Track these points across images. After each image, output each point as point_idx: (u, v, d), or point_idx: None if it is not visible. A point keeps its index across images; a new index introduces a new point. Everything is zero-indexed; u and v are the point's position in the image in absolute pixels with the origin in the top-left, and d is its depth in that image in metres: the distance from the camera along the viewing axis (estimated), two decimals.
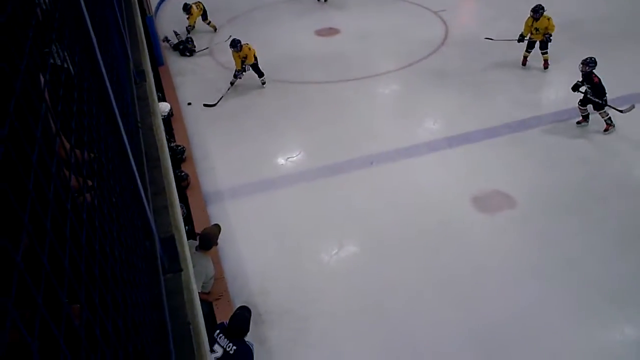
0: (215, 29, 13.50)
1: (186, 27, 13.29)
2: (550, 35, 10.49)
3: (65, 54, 1.37)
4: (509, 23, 12.48)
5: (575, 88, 8.90)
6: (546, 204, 7.46)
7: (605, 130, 8.84)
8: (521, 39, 10.62)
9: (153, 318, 1.53)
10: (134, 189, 1.74)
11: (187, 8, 13.11)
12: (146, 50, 3.58)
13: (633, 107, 8.70)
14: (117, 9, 2.80)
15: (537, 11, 10.40)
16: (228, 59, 11.86)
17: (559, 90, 10.33)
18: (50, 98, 1.12)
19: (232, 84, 10.57)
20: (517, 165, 8.27)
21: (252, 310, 5.11)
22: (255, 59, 10.42)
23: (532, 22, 10.48)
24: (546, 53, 10.73)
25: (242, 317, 4.79)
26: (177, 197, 2.44)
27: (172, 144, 8.12)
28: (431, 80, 10.61)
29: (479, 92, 10.18)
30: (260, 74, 10.71)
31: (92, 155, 1.39)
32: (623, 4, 13.38)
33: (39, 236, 0.75)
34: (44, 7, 1.34)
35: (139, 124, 2.43)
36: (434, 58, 11.35)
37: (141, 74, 2.99)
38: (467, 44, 11.86)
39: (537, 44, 10.65)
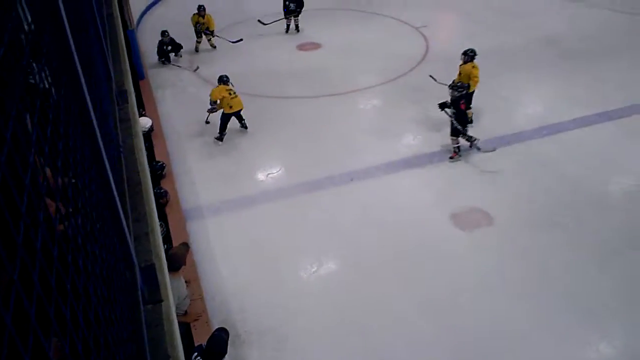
0: (214, 47, 13.37)
1: (204, 31, 13.14)
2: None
3: (44, 73, 1.35)
4: (490, 39, 12.70)
5: (442, 107, 8.86)
6: (524, 221, 7.55)
7: (451, 158, 8.87)
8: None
9: (132, 351, 1.51)
10: (114, 218, 1.72)
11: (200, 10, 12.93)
12: (128, 70, 3.56)
13: (494, 149, 8.83)
14: (100, 29, 2.79)
15: (466, 54, 9.54)
16: (210, 72, 11.87)
17: (537, 107, 10.49)
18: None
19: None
20: (496, 182, 8.35)
21: (230, 331, 5.07)
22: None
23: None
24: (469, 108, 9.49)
25: (220, 339, 4.75)
26: (157, 222, 2.42)
27: (152, 161, 8.05)
28: (411, 96, 10.69)
29: None
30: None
31: (66, 179, 1.37)
32: (606, 22, 13.67)
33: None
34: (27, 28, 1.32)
35: (121, 148, 2.42)
36: (415, 74, 11.46)
37: (123, 94, 2.97)
38: (448, 60, 11.92)
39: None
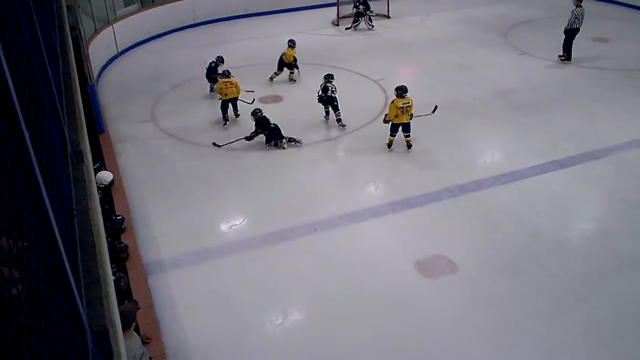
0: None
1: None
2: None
3: None
4: (446, 91, 13.10)
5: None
6: (487, 267, 7.63)
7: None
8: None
9: None
10: (64, 282, 1.67)
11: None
12: (85, 129, 3.53)
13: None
14: (54, 89, 2.77)
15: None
16: (170, 125, 11.88)
17: (494, 155, 10.77)
18: None
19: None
20: (458, 229, 8.46)
21: None
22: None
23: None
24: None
25: None
26: (113, 286, 2.35)
27: (112, 215, 7.92)
28: (373, 146, 10.85)
29: (420, 157, 10.49)
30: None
31: (13, 242, 1.33)
32: (552, 74, 14.25)
33: None
34: None
35: (75, 210, 2.37)
36: (375, 124, 11.65)
37: (79, 155, 2.93)
38: None
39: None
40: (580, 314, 6.82)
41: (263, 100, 13.00)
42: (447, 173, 9.85)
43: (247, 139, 10.83)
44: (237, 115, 12.12)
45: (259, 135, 10.86)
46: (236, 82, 11.80)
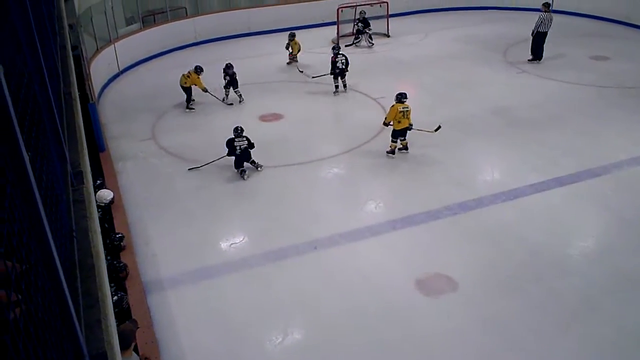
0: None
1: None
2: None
3: None
4: (446, 109, 13.15)
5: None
6: (487, 285, 7.61)
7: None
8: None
9: None
10: (62, 307, 1.68)
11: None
12: (85, 149, 3.55)
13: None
14: (55, 110, 2.79)
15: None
16: (170, 143, 11.92)
17: (495, 173, 10.79)
18: None
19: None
20: (458, 247, 8.45)
21: None
22: None
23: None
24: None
25: None
26: (111, 307, 2.35)
27: (111, 234, 7.91)
28: (373, 164, 10.89)
29: (420, 174, 10.51)
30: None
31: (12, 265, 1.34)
32: (550, 92, 14.32)
33: None
34: None
35: (74, 232, 2.38)
36: (375, 142, 11.70)
37: (79, 176, 2.95)
38: None
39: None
40: (580, 332, 6.79)
41: (262, 118, 13.06)
42: (447, 191, 9.86)
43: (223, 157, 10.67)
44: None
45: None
46: (194, 78, 13.20)
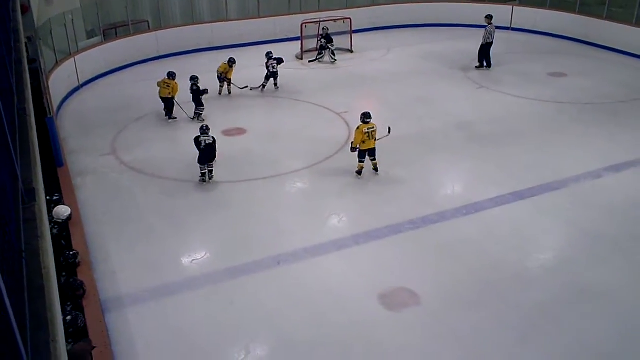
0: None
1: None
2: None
3: None
4: (408, 125, 13.31)
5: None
6: (450, 299, 7.68)
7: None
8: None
9: None
10: (5, 328, 1.61)
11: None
12: (39, 166, 3.45)
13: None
14: (7, 128, 2.71)
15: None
16: (131, 157, 11.74)
17: (456, 187, 10.94)
18: None
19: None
20: (421, 261, 8.52)
21: None
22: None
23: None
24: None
25: None
26: (62, 329, 2.27)
27: (65, 251, 7.67)
28: (336, 179, 10.91)
29: (383, 189, 10.57)
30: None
31: None
32: (510, 107, 14.63)
33: None
34: None
35: (23, 252, 2.30)
36: (339, 157, 11.74)
37: (31, 193, 2.86)
38: None
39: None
40: (541, 345, 6.88)
41: (226, 132, 12.98)
42: (410, 205, 9.94)
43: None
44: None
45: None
46: (175, 85, 13.38)
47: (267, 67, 15.68)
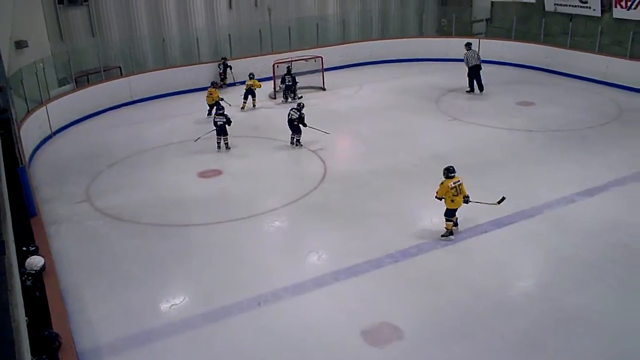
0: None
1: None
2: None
3: None
4: (384, 159, 13.44)
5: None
6: (433, 331, 7.64)
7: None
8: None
9: None
10: None
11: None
12: (8, 218, 3.39)
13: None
14: None
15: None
16: (106, 204, 11.61)
17: (434, 219, 10.98)
18: None
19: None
20: (402, 294, 8.49)
21: None
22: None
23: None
24: None
25: None
26: None
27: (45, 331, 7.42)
28: (314, 216, 10.91)
29: (361, 224, 10.58)
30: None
31: None
32: (486, 138, 14.87)
33: None
34: None
35: None
36: (316, 194, 11.77)
37: (0, 245, 2.80)
38: (345, 179, 12.47)
39: None
40: None
41: (202, 174, 12.95)
42: (388, 238, 9.95)
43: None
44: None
45: None
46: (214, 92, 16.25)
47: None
